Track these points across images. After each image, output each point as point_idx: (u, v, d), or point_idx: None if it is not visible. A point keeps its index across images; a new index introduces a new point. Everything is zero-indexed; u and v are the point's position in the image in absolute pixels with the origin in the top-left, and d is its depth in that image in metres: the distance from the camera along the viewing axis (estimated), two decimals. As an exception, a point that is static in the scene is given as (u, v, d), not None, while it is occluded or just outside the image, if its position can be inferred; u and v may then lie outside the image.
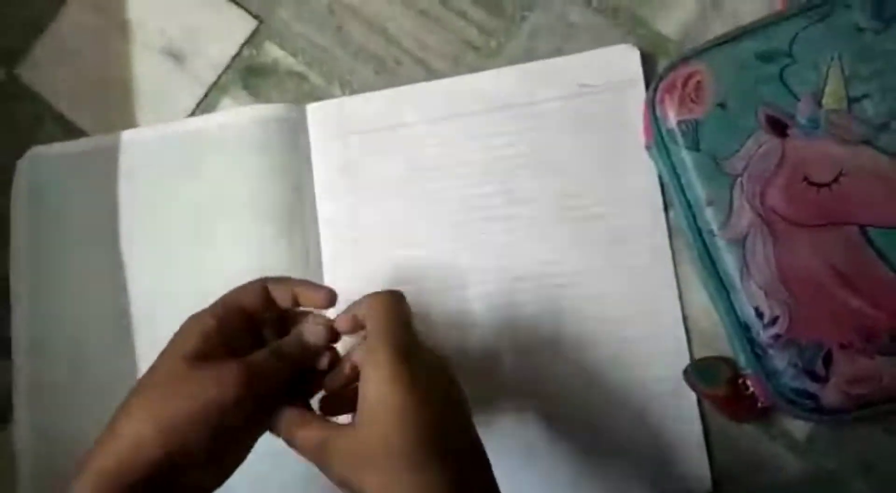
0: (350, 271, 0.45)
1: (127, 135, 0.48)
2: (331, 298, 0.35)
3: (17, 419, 0.46)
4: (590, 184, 0.43)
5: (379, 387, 0.30)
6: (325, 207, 0.46)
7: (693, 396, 0.39)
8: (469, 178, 0.44)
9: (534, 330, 0.42)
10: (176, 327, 0.33)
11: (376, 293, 0.34)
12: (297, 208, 0.46)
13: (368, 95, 0.46)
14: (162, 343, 0.33)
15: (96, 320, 0.46)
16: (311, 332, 0.34)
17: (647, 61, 0.43)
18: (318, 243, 0.45)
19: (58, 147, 0.49)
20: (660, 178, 0.41)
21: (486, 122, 0.44)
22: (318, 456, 0.31)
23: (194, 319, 0.33)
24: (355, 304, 0.34)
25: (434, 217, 0.44)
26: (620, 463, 0.40)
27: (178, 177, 0.47)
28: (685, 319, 0.40)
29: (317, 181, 0.46)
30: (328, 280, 0.45)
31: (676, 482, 0.39)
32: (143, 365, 0.43)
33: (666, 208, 0.42)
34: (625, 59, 0.43)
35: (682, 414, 0.40)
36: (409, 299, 0.34)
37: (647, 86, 0.42)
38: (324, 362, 0.34)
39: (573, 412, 0.41)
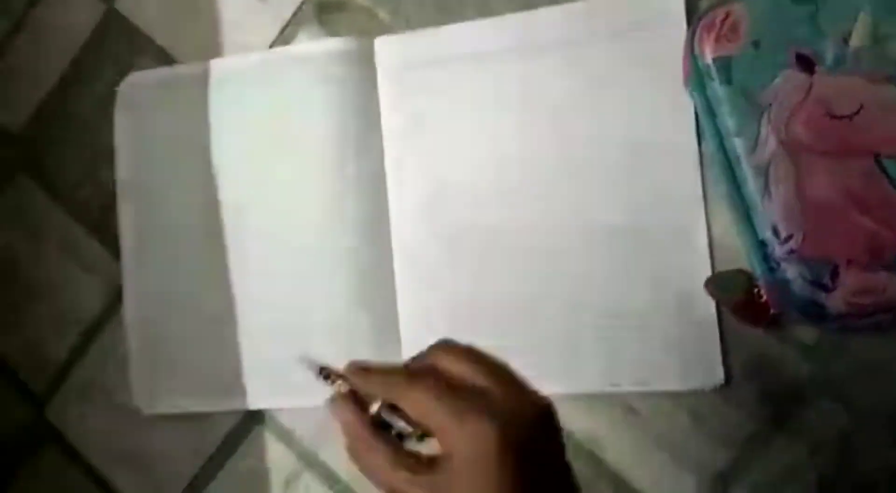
0: (410, 171, 0.51)
1: (215, 63, 0.54)
2: None
3: (126, 297, 0.55)
4: (633, 115, 0.47)
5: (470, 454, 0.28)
6: (391, 132, 0.51)
7: (712, 303, 0.45)
8: (523, 111, 0.49)
9: (569, 229, 0.47)
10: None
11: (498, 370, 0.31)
12: (363, 134, 0.51)
13: (431, 30, 0.51)
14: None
15: (191, 221, 0.54)
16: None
17: (689, 2, 0.46)
18: (381, 165, 0.51)
19: (154, 73, 0.56)
20: (695, 111, 0.45)
21: (542, 56, 0.48)
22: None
23: None
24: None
25: (489, 152, 0.49)
26: (642, 349, 0.46)
27: (258, 103, 0.53)
28: (710, 236, 0.45)
29: (382, 109, 0.51)
30: (392, 198, 0.51)
31: (694, 374, 0.45)
32: (231, 254, 0.52)
33: (699, 138, 0.46)
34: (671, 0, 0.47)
35: (701, 317, 0.45)
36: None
37: (689, 25, 0.46)
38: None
39: (601, 299, 0.47)
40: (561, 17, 0.48)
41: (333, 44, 0.52)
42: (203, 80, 0.54)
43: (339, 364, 0.35)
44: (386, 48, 0.52)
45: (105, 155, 0.56)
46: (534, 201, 0.48)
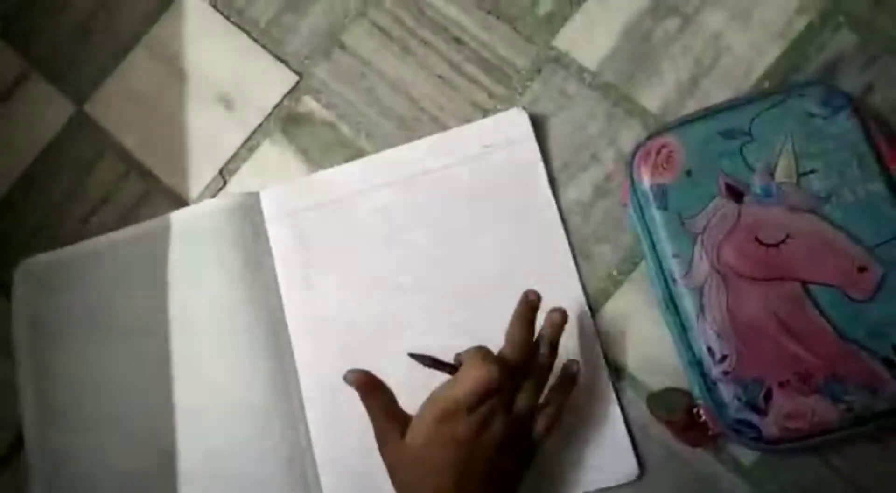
0: (308, 313, 0.52)
1: (113, 236, 0.55)
2: None
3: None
4: (499, 227, 0.50)
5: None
6: (284, 276, 0.52)
7: (614, 400, 0.47)
8: (400, 243, 0.51)
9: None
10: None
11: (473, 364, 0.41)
12: (258, 281, 0.52)
13: (312, 176, 0.54)
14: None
15: (95, 420, 0.53)
16: None
17: (535, 121, 0.51)
18: (281, 305, 0.52)
19: (46, 257, 0.56)
20: (642, 230, 0.47)
21: (409, 187, 0.52)
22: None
23: None
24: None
25: (372, 281, 0.51)
26: (561, 458, 0.47)
27: (154, 273, 0.54)
28: (598, 332, 0.48)
29: (275, 256, 0.53)
30: (289, 317, 0.52)
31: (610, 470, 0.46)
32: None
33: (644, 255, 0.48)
34: (517, 121, 0.51)
35: (607, 415, 0.47)
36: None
37: (539, 144, 0.50)
38: None
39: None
40: (428, 148, 0.52)
41: (221, 202, 0.54)
42: (95, 259, 0.55)
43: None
44: (272, 198, 0.54)
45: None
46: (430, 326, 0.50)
